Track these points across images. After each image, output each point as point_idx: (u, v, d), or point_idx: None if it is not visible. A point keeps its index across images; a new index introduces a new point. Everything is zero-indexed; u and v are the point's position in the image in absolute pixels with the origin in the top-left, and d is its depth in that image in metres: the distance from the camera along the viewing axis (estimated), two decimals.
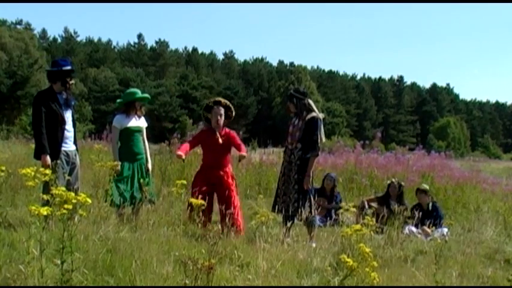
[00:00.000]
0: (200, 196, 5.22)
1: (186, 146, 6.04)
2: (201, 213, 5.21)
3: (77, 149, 5.61)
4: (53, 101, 5.35)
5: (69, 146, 5.44)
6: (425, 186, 8.05)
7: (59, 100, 5.39)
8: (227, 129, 6.09)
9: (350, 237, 4.09)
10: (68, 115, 5.46)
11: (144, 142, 6.16)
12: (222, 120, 5.98)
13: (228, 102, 6.09)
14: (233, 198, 5.93)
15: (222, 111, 5.99)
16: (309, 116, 5.78)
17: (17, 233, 4.41)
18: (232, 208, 5.73)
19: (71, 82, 5.48)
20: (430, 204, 7.72)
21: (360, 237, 4.02)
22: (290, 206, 5.67)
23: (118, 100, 6.27)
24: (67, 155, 5.40)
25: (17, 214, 5.45)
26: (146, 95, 6.38)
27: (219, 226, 5.39)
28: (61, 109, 5.37)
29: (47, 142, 5.26)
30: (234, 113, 6.14)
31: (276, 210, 5.78)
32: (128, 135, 5.97)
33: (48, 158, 5.19)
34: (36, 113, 5.32)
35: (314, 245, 5.45)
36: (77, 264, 3.30)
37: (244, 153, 6.02)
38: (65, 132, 5.38)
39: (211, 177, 5.89)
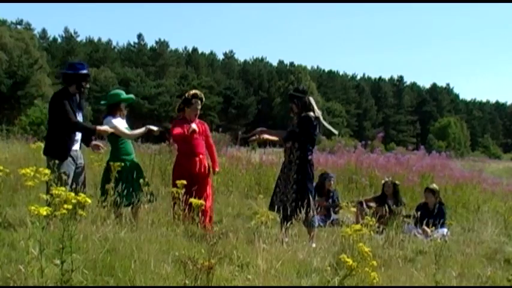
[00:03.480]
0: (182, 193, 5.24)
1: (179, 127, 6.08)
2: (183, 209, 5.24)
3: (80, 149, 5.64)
4: (70, 102, 5.41)
5: (76, 147, 5.51)
6: (434, 186, 8.01)
7: (73, 102, 5.44)
8: (198, 120, 6.19)
9: (350, 237, 4.08)
10: (80, 117, 5.51)
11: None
12: (199, 113, 6.18)
13: (202, 95, 6.25)
14: (207, 189, 6.02)
15: (200, 105, 6.15)
16: (303, 114, 5.81)
17: (17, 233, 4.42)
18: (204, 199, 5.63)
19: (86, 86, 5.55)
20: (437, 206, 7.70)
21: (360, 237, 4.02)
22: (288, 206, 5.67)
23: (102, 102, 6.25)
24: (75, 156, 5.44)
25: (16, 214, 5.45)
26: (131, 95, 6.37)
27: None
28: (75, 111, 5.42)
29: (57, 142, 5.35)
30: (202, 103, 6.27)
31: (275, 209, 5.77)
32: (118, 136, 5.95)
33: (102, 127, 5.52)
34: (64, 110, 5.33)
35: (314, 245, 5.44)
36: (77, 264, 3.30)
37: (217, 169, 6.26)
38: (76, 134, 5.45)
39: (188, 165, 5.93)
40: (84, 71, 5.53)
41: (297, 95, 5.90)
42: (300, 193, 5.69)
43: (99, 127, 5.61)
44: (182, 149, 6.11)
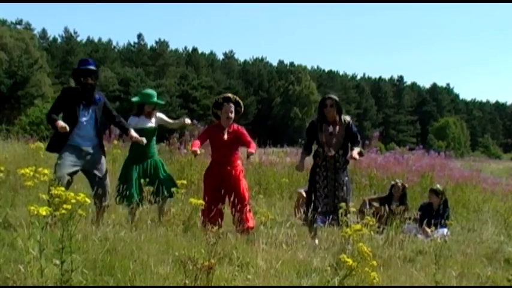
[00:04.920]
0: (211, 197, 5.25)
1: (197, 142, 5.97)
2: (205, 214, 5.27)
3: (101, 149, 5.59)
4: (73, 98, 5.41)
5: (82, 144, 5.42)
6: (438, 187, 8.00)
7: (79, 98, 5.41)
8: (235, 126, 6.05)
9: (350, 237, 4.08)
10: (87, 114, 5.45)
11: (168, 122, 6.29)
12: (232, 117, 5.96)
13: (237, 98, 6.06)
14: (242, 191, 5.89)
15: (233, 108, 5.96)
16: (346, 121, 5.81)
17: (17, 233, 4.41)
18: (241, 202, 5.75)
19: (88, 82, 5.45)
20: (441, 207, 7.70)
21: (360, 237, 4.01)
22: (339, 202, 5.63)
23: (134, 99, 6.26)
24: (78, 149, 5.38)
25: (16, 214, 5.45)
26: (159, 101, 6.29)
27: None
28: (77, 107, 5.39)
29: (59, 137, 5.37)
30: (243, 108, 6.11)
31: (319, 210, 5.78)
32: (141, 135, 5.93)
33: (61, 122, 5.24)
34: (51, 107, 5.57)
35: (317, 242, 5.49)
36: (77, 264, 3.30)
37: (252, 150, 5.99)
38: (78, 130, 5.38)
39: (220, 174, 5.89)
40: (85, 67, 5.48)
41: (339, 103, 5.83)
42: (349, 194, 5.84)
43: (56, 122, 5.28)
44: (213, 157, 6.07)
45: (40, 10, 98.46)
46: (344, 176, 5.82)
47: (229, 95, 6.12)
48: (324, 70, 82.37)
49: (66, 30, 65.84)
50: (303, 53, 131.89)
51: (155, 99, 6.16)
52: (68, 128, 5.23)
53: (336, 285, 3.60)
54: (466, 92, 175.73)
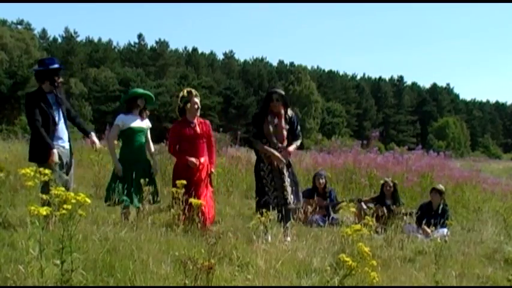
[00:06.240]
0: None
1: (177, 152, 6.01)
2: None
3: (71, 148, 5.54)
4: (43, 101, 5.31)
5: (62, 146, 5.39)
6: (441, 187, 8.02)
7: (49, 100, 5.35)
8: (201, 119, 6.11)
9: (349, 237, 4.08)
10: (60, 114, 5.42)
11: (148, 142, 6.14)
12: (200, 107, 6.04)
13: (197, 93, 6.13)
14: (204, 190, 5.94)
15: (199, 101, 6.04)
16: (290, 113, 5.95)
17: (17, 233, 4.42)
18: (202, 198, 5.68)
19: (59, 80, 5.43)
20: (441, 206, 7.71)
21: (359, 237, 4.01)
22: (288, 198, 5.71)
23: (121, 98, 6.26)
24: (60, 156, 5.33)
25: (16, 214, 5.45)
26: (147, 92, 6.26)
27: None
28: (51, 109, 5.34)
29: (36, 145, 5.26)
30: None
31: (270, 207, 5.69)
32: (130, 135, 5.91)
33: (55, 152, 5.19)
34: (30, 115, 5.30)
35: (289, 239, 5.47)
36: (77, 264, 3.30)
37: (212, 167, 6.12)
38: (57, 132, 5.34)
39: (187, 168, 5.84)
40: (55, 66, 5.44)
41: (286, 97, 5.95)
42: (296, 184, 5.85)
43: (51, 151, 5.18)
44: (184, 151, 5.98)
45: (40, 10, 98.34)
46: (291, 167, 5.90)
47: (191, 89, 6.14)
48: (324, 70, 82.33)
49: (66, 30, 65.78)
50: (303, 53, 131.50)
51: (142, 90, 6.15)
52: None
53: (336, 285, 3.60)
54: (466, 92, 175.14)
